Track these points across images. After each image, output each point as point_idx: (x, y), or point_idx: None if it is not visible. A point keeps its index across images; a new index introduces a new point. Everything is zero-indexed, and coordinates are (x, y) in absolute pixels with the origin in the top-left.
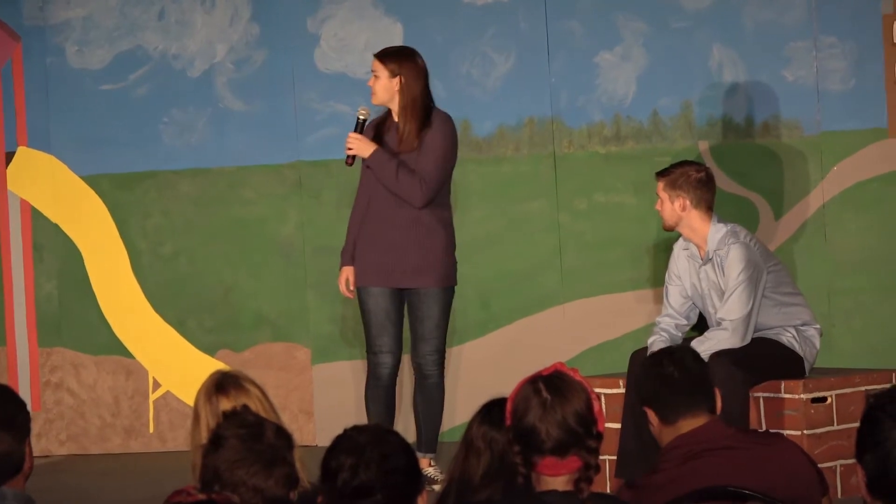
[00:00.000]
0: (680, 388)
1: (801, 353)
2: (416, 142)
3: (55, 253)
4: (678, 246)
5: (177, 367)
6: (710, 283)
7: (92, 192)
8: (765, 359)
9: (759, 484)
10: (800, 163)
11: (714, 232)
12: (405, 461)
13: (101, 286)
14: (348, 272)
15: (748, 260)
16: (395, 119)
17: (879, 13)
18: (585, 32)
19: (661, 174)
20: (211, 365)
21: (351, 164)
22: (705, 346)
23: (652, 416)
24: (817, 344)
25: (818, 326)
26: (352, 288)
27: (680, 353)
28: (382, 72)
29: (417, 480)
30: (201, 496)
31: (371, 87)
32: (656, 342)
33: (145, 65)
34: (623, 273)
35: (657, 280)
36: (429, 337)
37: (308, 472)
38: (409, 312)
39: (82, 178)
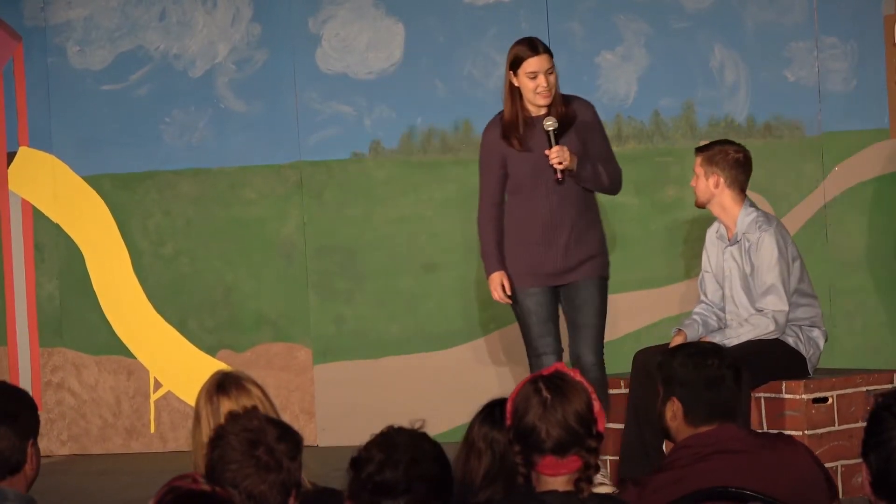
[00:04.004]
0: (720, 397)
1: (805, 354)
2: (571, 120)
3: (56, 253)
4: (711, 230)
5: (178, 367)
6: (732, 264)
7: (93, 192)
8: (768, 359)
9: (763, 487)
10: (801, 163)
11: (744, 215)
12: (436, 471)
13: (102, 286)
14: (502, 276)
15: (784, 248)
16: (534, 114)
17: (880, 14)
18: (586, 33)
19: (699, 150)
20: (212, 365)
21: (562, 181)
22: (744, 330)
23: (678, 408)
24: (821, 345)
25: (824, 329)
26: (508, 293)
27: (729, 362)
28: (552, 64)
29: (446, 493)
30: (205, 486)
31: (545, 87)
32: (689, 326)
33: (146, 65)
34: (625, 274)
35: (659, 280)
36: (590, 324)
37: (310, 473)
38: (566, 307)
39: (83, 178)
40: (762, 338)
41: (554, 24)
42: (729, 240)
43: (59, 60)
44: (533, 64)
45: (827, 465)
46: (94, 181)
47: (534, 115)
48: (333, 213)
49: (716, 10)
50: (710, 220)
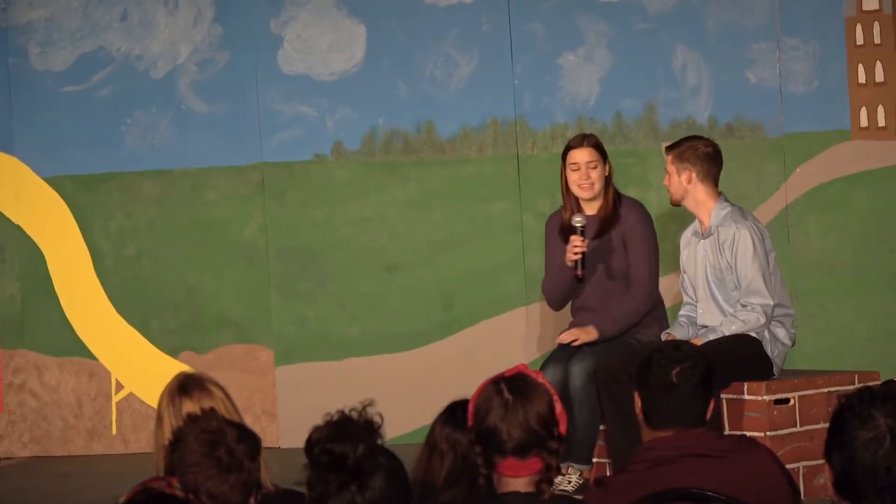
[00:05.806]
0: (671, 403)
1: (769, 353)
2: (614, 220)
3: (18, 255)
4: (687, 231)
5: (140, 369)
6: (704, 257)
7: (55, 194)
8: (733, 359)
9: (726, 491)
10: (763, 164)
11: (719, 209)
12: (388, 463)
13: (63, 288)
14: None
15: (759, 242)
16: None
17: (842, 15)
18: (548, 34)
19: (669, 148)
20: (174, 366)
21: (582, 278)
22: (735, 327)
23: (640, 406)
24: (787, 344)
25: (792, 331)
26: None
27: (689, 367)
28: (597, 159)
29: (402, 495)
30: (179, 492)
31: (585, 180)
32: (677, 328)
33: (108, 66)
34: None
35: None
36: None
37: (272, 475)
38: None
39: (45, 179)
40: (748, 332)
41: (516, 25)
42: (702, 234)
43: (20, 61)
44: (575, 155)
45: (789, 466)
46: (55, 182)
47: (584, 205)
48: (295, 214)
49: (678, 12)
50: (674, 220)
